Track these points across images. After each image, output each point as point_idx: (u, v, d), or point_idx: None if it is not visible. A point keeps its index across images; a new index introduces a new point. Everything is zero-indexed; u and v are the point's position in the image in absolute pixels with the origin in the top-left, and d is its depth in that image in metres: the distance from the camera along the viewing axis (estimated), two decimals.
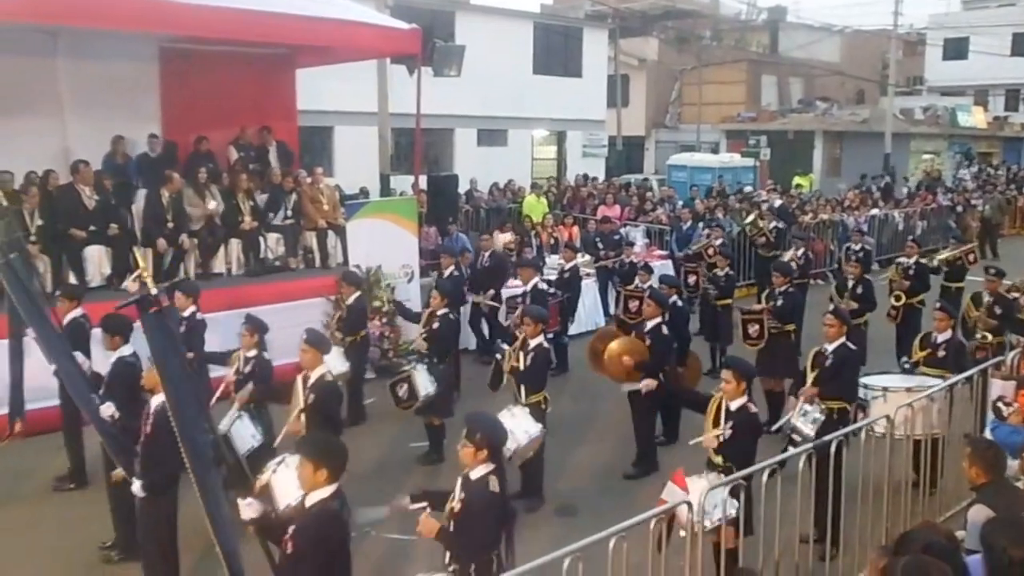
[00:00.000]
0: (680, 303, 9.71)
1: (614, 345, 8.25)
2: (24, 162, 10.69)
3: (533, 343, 7.37)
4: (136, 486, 5.68)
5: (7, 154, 10.42)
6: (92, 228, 10.40)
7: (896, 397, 6.76)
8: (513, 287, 11.44)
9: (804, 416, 6.57)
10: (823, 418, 6.52)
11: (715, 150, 32.05)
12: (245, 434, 6.66)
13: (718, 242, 13.45)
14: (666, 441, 8.70)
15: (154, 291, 4.74)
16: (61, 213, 10.32)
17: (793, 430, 6.61)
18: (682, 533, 5.14)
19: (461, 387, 10.05)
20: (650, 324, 8.33)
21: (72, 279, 10.01)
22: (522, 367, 7.30)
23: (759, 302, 9.91)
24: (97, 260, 10.45)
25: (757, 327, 9.24)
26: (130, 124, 11.75)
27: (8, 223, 7.88)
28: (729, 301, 11.24)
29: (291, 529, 4.00)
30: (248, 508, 4.35)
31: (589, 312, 13.19)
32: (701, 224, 15.71)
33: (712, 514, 5.14)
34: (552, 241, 15.44)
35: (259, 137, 13.07)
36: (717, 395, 5.92)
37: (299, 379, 6.42)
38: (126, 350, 6.49)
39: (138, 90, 11.85)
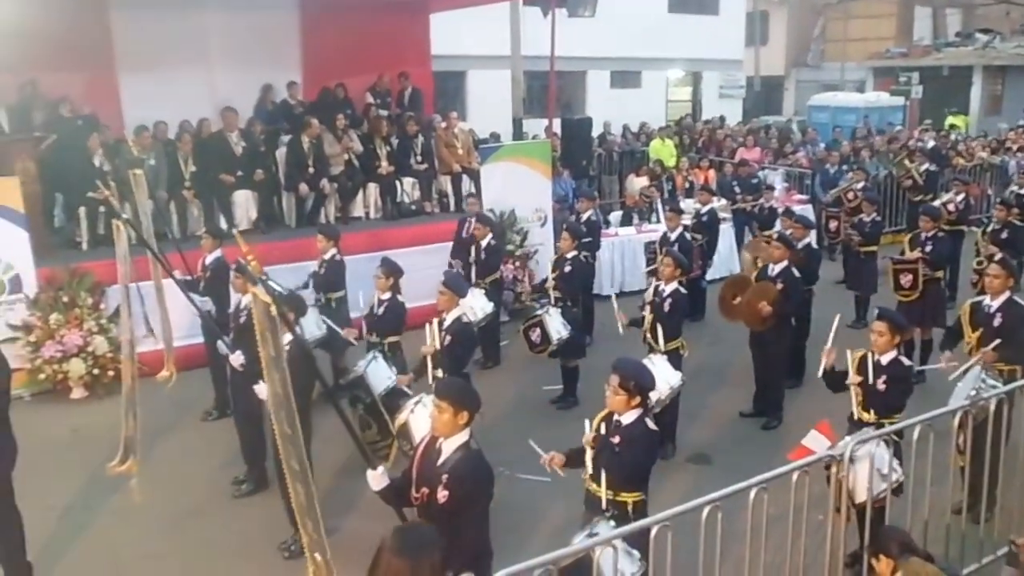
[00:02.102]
0: (815, 245, 9.33)
1: (749, 292, 8.03)
2: (176, 112, 11.27)
3: (668, 288, 7.24)
4: None
5: (161, 104, 11.00)
6: (239, 173, 10.86)
7: None
8: (648, 231, 11.25)
9: (983, 387, 5.68)
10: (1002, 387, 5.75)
11: (860, 89, 30.24)
12: (381, 375, 6.82)
13: (859, 185, 12.78)
14: (794, 384, 8.52)
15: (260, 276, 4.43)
16: (212, 159, 10.82)
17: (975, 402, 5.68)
18: None
19: (594, 331, 10.03)
20: (777, 268, 8.08)
21: (222, 223, 10.51)
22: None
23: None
24: (244, 204, 10.92)
25: (910, 277, 8.73)
26: (273, 73, 12.19)
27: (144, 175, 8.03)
28: (874, 248, 10.70)
29: (444, 478, 3.83)
30: (378, 479, 4.02)
31: (723, 258, 12.83)
32: (846, 167, 14.95)
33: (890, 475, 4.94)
34: (687, 185, 15.06)
35: (397, 83, 13.26)
36: (858, 353, 5.62)
37: (435, 321, 6.53)
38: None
39: (280, 39, 12.28)
